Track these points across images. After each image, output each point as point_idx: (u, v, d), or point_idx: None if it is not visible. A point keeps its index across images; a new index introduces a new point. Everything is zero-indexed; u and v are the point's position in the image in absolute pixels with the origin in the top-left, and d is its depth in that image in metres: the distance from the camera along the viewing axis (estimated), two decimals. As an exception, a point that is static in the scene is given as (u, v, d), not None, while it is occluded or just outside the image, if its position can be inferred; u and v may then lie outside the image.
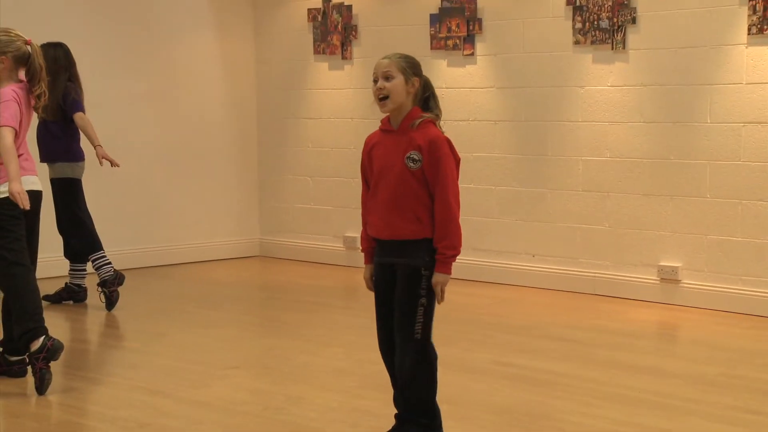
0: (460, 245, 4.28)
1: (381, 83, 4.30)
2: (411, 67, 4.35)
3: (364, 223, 4.46)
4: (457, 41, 8.72)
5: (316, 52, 9.72)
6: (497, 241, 8.69)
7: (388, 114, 4.34)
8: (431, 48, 8.85)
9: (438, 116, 4.34)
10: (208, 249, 9.98)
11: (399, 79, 4.30)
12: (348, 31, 9.47)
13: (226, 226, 10.17)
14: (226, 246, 10.14)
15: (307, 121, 9.93)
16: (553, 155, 8.36)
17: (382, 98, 4.30)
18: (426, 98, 4.36)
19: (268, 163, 10.27)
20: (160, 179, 9.67)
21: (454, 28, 8.66)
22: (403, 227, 4.30)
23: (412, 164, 4.26)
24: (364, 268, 4.53)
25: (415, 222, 4.28)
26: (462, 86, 8.76)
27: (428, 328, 4.32)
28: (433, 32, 8.85)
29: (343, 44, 9.50)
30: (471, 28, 8.60)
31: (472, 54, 8.67)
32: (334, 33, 9.55)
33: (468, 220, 8.17)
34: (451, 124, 7.92)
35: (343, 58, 9.53)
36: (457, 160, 4.32)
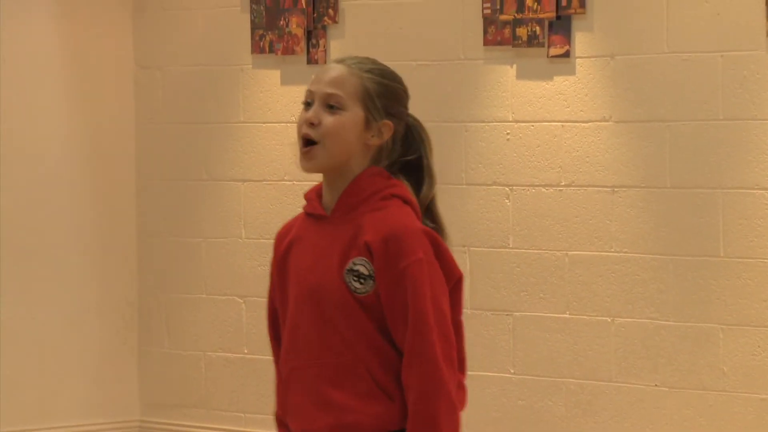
0: None
1: (315, 112, 3.88)
2: (384, 97, 3.93)
3: (279, 399, 4.14)
4: (537, 29, 8.08)
5: (257, 50, 8.81)
6: (621, 426, 7.79)
7: (312, 172, 4.05)
8: (485, 43, 8.12)
9: (424, 200, 4.01)
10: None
11: (350, 116, 3.88)
12: (320, 7, 8.69)
13: (78, 398, 9.22)
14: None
15: (237, 186, 9.05)
16: (731, 257, 7.67)
17: (308, 143, 3.93)
18: (410, 165, 3.98)
19: (155, 268, 9.40)
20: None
21: (530, 3, 8.10)
22: (353, 410, 3.85)
23: (357, 284, 3.87)
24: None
25: (376, 398, 3.84)
26: (546, 118, 8.09)
27: None
28: (488, 11, 8.14)
29: (310, 34, 8.64)
30: (564, 3, 8.07)
31: (567, 54, 8.08)
32: (292, 12, 8.73)
33: (554, 382, 8.02)
34: (522, 194, 8.06)
35: (311, 61, 8.65)
36: (454, 277, 3.91)
